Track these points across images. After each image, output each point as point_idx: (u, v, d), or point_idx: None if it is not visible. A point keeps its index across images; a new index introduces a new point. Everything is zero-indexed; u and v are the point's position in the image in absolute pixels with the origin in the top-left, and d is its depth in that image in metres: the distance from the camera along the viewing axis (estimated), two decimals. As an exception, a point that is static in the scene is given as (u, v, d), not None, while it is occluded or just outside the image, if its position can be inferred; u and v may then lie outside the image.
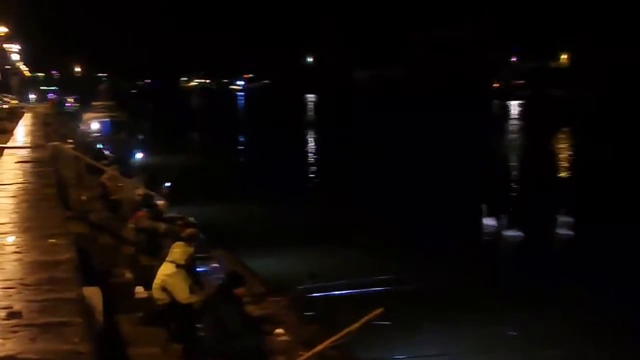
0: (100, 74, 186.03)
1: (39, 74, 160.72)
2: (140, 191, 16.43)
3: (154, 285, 10.89)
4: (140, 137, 56.53)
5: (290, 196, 32.39)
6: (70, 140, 30.16)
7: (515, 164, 50.05)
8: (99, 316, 5.76)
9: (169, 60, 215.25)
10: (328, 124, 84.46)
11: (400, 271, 16.14)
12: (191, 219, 16.43)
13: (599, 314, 17.01)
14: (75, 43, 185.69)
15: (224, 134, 72.00)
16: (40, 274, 5.73)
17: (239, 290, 9.50)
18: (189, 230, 13.35)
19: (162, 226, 14.55)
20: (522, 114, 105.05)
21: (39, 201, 9.38)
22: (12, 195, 9.82)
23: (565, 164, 48.53)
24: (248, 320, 9.81)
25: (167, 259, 11.03)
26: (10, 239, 6.78)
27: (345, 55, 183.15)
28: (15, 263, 6.10)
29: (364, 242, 22.92)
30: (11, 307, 4.88)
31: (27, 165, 12.99)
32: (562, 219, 25.41)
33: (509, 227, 24.99)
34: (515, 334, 15.66)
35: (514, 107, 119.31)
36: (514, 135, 71.80)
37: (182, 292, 10.73)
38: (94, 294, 5.70)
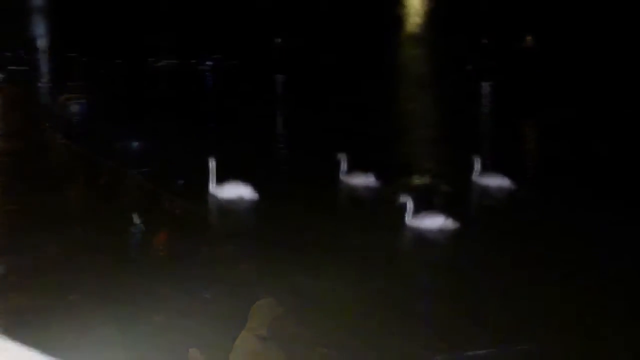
0: (69, 54, 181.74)
1: (6, 53, 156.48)
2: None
3: None
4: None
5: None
6: (47, 124, 28.38)
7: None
8: None
9: (137, 40, 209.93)
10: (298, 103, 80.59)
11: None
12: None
13: None
14: (43, 20, 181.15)
15: (197, 115, 68.26)
16: None
17: None
18: None
19: None
20: (493, 96, 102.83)
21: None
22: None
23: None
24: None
25: (247, 325, 7.65)
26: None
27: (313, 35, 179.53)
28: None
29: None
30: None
31: (8, 160, 10.75)
32: None
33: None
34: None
35: (485, 88, 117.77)
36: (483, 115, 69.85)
37: None
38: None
